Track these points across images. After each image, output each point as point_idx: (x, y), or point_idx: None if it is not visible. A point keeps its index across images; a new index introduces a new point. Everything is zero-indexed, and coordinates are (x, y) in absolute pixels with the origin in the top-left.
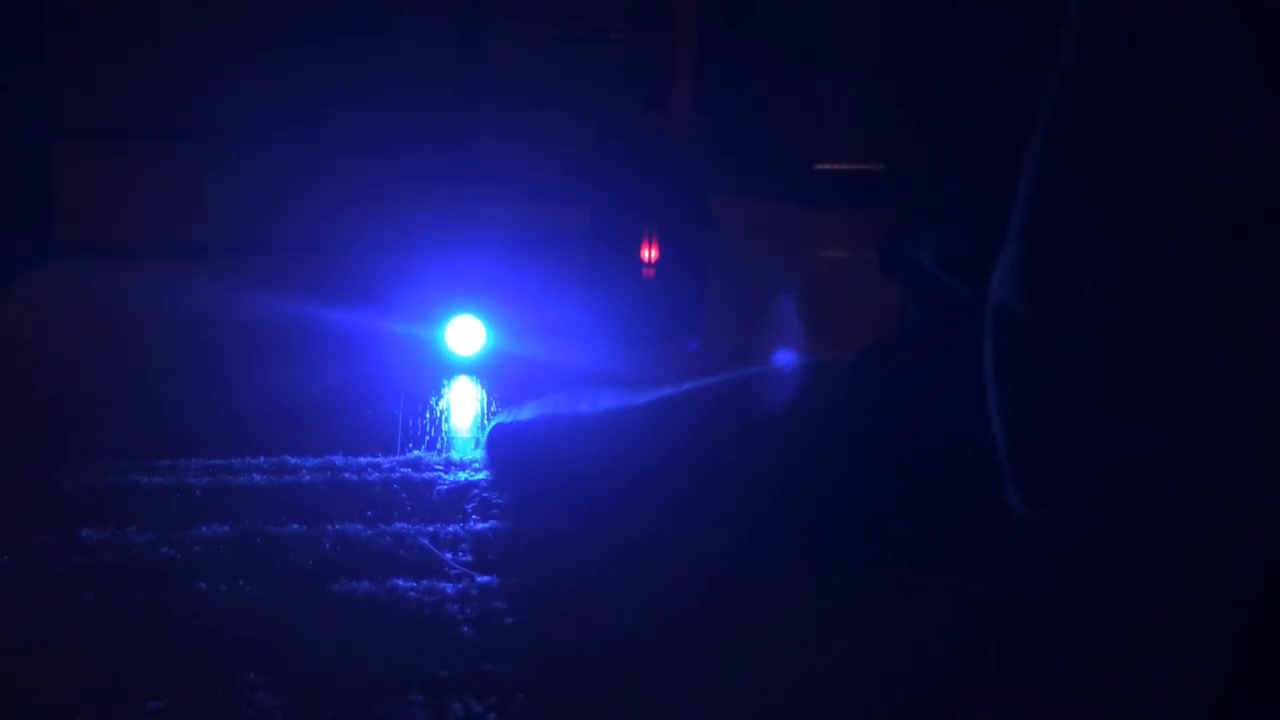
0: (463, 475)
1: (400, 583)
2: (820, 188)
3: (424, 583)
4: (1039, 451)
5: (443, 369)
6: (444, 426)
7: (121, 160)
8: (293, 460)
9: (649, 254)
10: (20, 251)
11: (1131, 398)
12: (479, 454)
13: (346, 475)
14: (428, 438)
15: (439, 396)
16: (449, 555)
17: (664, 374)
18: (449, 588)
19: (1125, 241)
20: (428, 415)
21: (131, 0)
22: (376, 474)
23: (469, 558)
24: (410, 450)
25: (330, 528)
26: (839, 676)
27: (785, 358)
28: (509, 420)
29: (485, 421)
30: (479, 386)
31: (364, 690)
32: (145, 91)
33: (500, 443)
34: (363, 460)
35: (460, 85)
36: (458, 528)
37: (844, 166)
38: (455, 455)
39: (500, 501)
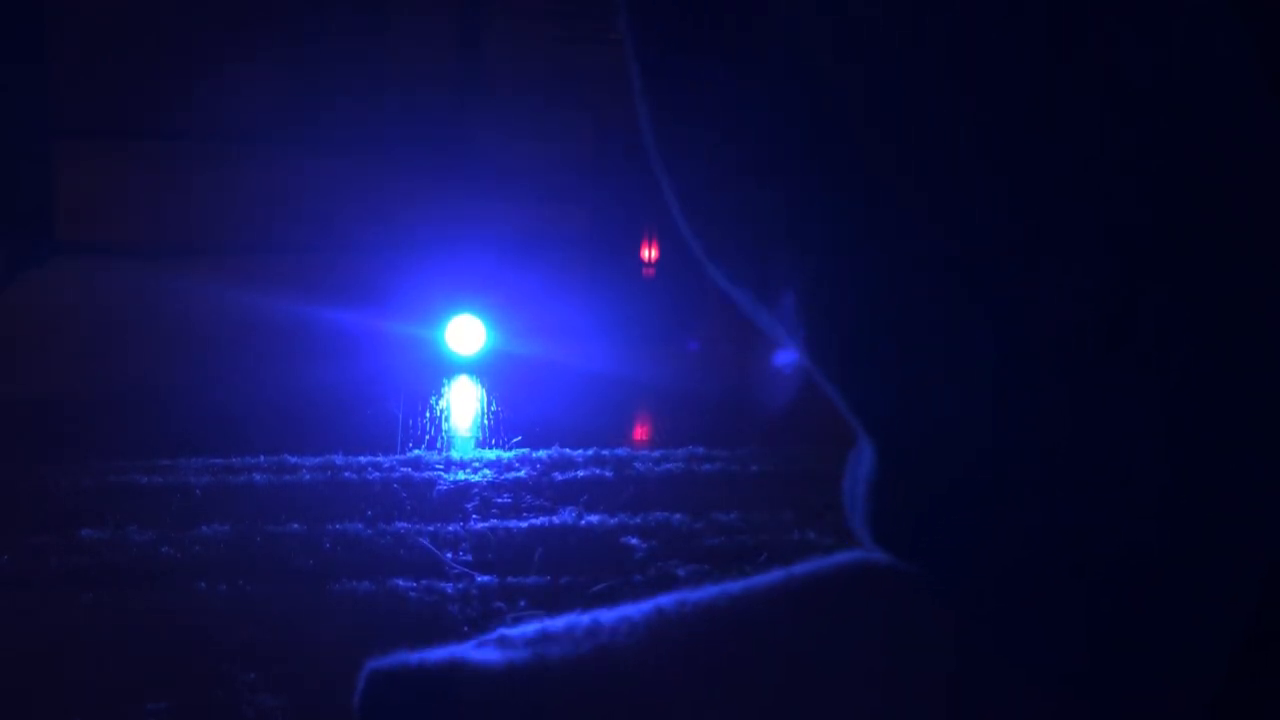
0: (463, 475)
1: (400, 583)
2: None
3: (424, 583)
4: (1035, 451)
5: (443, 369)
6: (444, 426)
7: (121, 160)
8: (293, 460)
9: (649, 254)
10: (20, 251)
11: (1131, 396)
12: (479, 453)
13: (346, 475)
14: (428, 438)
15: (439, 396)
16: (449, 555)
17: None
18: (449, 588)
19: (1125, 241)
20: (428, 415)
21: (131, 0)
22: (376, 474)
23: (469, 558)
24: (410, 450)
25: (330, 528)
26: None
27: (785, 357)
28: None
29: (485, 421)
30: (479, 386)
31: None
32: (145, 91)
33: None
34: (363, 460)
35: (460, 85)
36: (458, 527)
37: None
38: (455, 455)
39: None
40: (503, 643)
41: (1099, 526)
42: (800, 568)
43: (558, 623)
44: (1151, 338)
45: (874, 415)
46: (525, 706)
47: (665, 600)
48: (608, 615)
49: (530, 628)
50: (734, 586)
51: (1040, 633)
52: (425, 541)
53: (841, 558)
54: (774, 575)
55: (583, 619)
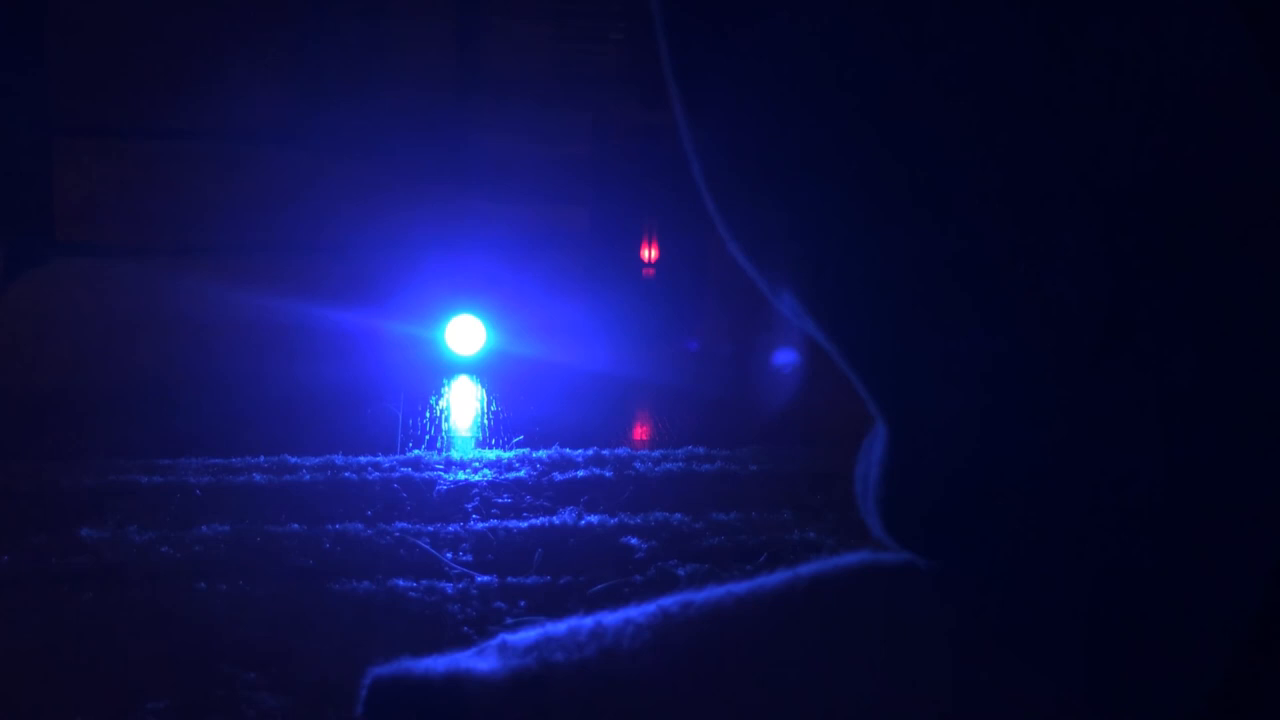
0: (463, 475)
1: (400, 583)
2: None
3: (424, 583)
4: (1034, 452)
5: (443, 369)
6: (444, 426)
7: (121, 160)
8: (293, 460)
9: (649, 254)
10: (20, 251)
11: (1131, 397)
12: (479, 454)
13: (346, 475)
14: (428, 438)
15: (439, 396)
16: (449, 555)
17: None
18: (449, 588)
19: (1125, 241)
20: (428, 415)
21: (131, 0)
22: (376, 474)
23: (469, 558)
24: (410, 450)
25: (330, 528)
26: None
27: (785, 357)
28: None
29: (485, 421)
30: (479, 386)
31: None
32: (145, 91)
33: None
34: (363, 460)
35: (460, 85)
36: (458, 528)
37: None
38: (455, 455)
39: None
40: (504, 650)
41: (1097, 528)
42: (806, 568)
43: (559, 626)
44: (1151, 338)
45: (889, 403)
46: (530, 715)
47: (669, 602)
48: (611, 618)
49: (532, 633)
50: (739, 587)
51: (1039, 635)
52: (425, 542)
53: (848, 559)
54: (780, 576)
55: (585, 622)
